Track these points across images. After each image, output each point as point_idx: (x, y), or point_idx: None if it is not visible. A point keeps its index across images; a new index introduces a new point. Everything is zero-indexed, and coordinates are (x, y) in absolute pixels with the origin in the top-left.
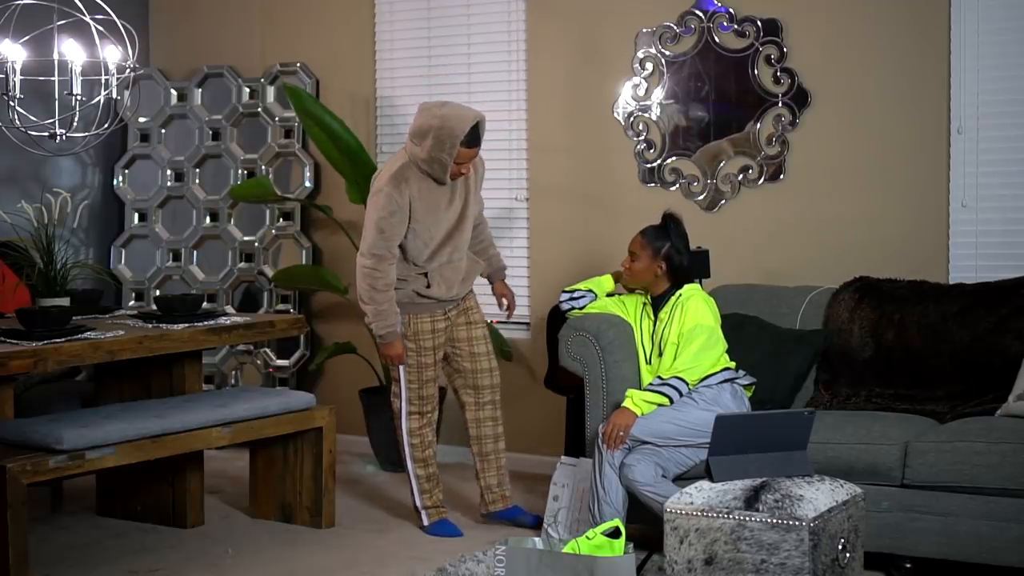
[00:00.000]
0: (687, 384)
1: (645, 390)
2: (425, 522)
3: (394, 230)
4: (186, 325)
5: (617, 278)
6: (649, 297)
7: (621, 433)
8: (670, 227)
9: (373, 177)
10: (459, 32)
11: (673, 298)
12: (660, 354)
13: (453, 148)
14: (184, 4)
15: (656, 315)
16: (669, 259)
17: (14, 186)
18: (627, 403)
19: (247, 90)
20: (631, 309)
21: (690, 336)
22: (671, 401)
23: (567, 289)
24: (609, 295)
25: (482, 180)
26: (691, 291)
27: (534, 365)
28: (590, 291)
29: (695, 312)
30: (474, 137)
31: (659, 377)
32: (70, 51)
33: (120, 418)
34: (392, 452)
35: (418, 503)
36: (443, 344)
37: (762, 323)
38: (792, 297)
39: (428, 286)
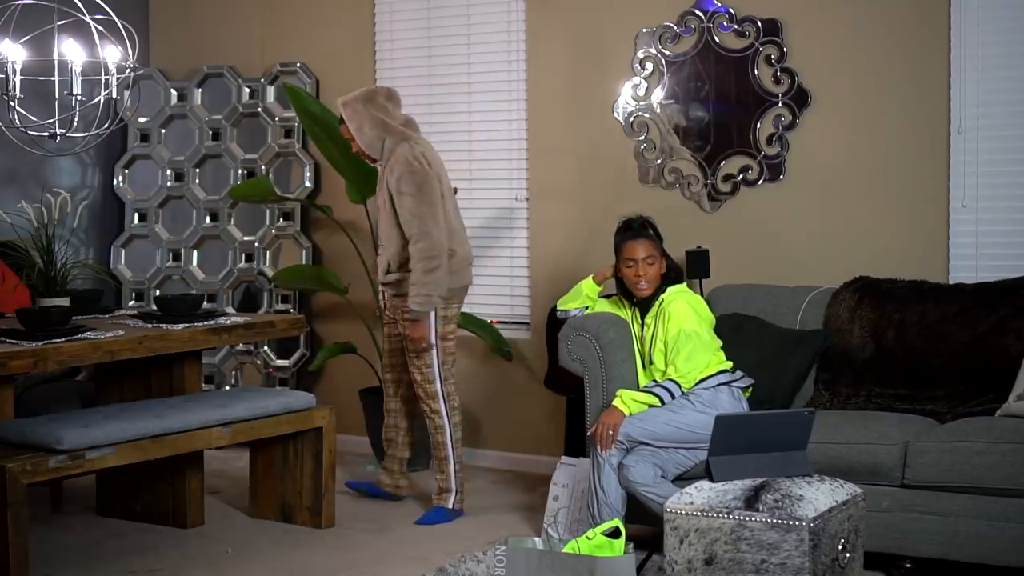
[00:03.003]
0: (679, 386)
1: (636, 391)
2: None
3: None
4: (186, 325)
5: (600, 280)
6: (635, 302)
7: (611, 432)
8: (654, 227)
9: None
10: (459, 32)
11: (656, 303)
12: (652, 360)
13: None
14: (184, 4)
15: (643, 320)
16: (667, 257)
17: (14, 186)
18: (616, 402)
19: (247, 90)
20: (625, 314)
21: (675, 343)
22: (662, 401)
23: (560, 309)
24: (603, 296)
25: (396, 184)
26: (673, 294)
27: (534, 365)
28: (584, 307)
29: (677, 317)
30: None
31: (654, 380)
32: (70, 51)
33: (120, 418)
34: None
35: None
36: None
37: (762, 323)
38: (792, 297)
39: None
